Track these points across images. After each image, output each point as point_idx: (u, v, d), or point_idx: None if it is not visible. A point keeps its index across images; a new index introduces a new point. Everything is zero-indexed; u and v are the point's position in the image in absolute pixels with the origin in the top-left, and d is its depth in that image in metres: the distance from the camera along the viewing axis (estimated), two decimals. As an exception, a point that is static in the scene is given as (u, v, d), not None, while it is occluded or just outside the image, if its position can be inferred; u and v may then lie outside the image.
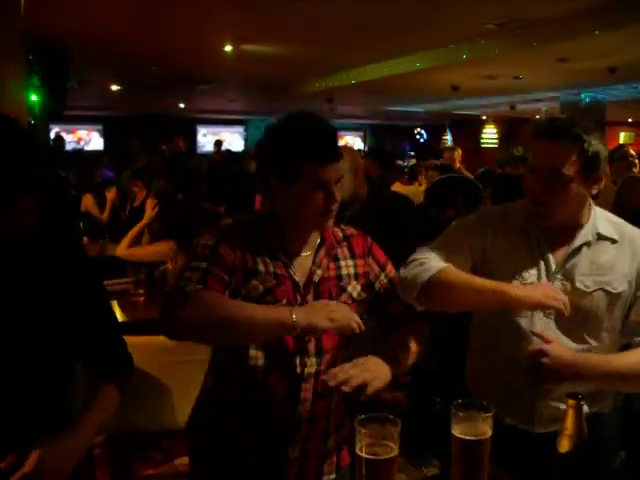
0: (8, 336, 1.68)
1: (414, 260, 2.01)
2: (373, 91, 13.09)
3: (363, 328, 1.75)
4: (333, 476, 2.02)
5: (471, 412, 1.57)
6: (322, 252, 1.96)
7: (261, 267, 1.87)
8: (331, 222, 1.92)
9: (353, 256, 2.02)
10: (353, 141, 22.43)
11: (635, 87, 11.84)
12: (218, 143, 16.16)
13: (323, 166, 1.81)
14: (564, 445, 1.44)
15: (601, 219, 2.06)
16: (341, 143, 20.76)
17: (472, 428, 1.55)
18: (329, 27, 8.06)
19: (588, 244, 2.01)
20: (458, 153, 8.71)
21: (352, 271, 2.00)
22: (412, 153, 17.31)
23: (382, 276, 2.05)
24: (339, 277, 1.97)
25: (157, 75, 11.87)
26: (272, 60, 10.38)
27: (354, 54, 10.03)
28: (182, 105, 17.15)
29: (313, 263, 1.94)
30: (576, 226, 2.03)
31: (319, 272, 1.93)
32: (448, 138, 19.82)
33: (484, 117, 19.08)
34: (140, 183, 6.08)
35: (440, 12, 7.31)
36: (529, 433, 2.04)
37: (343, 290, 1.97)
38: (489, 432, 1.55)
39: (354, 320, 1.74)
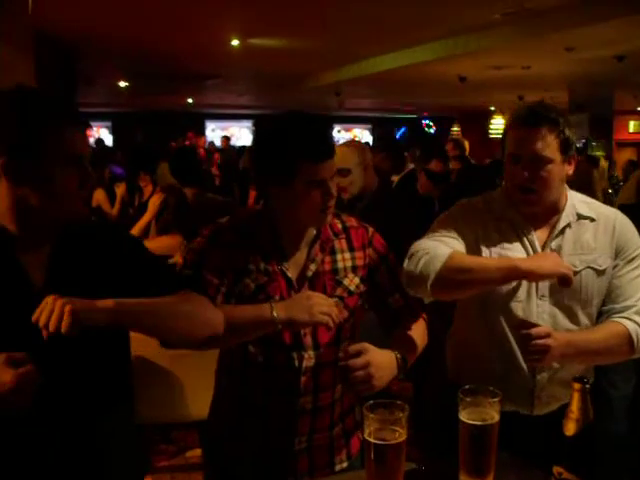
0: None
1: (416, 252, 1.97)
2: (381, 83, 13.08)
3: (336, 324, 1.77)
4: (345, 464, 2.02)
5: (478, 397, 1.58)
6: (317, 246, 1.94)
7: (252, 265, 1.87)
8: (329, 218, 1.90)
9: (351, 249, 1.98)
10: (361, 134, 22.41)
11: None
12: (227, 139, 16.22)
13: (318, 164, 1.79)
14: (570, 428, 1.45)
15: (577, 200, 2.10)
16: (349, 136, 20.68)
17: (480, 413, 1.57)
18: (336, 20, 8.06)
19: (570, 225, 2.05)
20: (465, 144, 8.35)
21: (349, 264, 1.96)
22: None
23: (382, 268, 2.02)
24: (334, 271, 1.94)
25: (165, 71, 11.89)
26: (279, 54, 10.39)
27: (362, 47, 10.02)
28: (190, 100, 17.18)
29: (307, 258, 1.93)
30: (556, 208, 2.06)
31: (312, 267, 1.92)
32: (456, 130, 19.71)
33: (492, 108, 19.00)
34: (148, 178, 6.08)
35: (448, 3, 7.31)
36: (527, 417, 2.07)
37: (339, 284, 1.94)
38: (497, 417, 1.57)
39: (331, 317, 1.74)
